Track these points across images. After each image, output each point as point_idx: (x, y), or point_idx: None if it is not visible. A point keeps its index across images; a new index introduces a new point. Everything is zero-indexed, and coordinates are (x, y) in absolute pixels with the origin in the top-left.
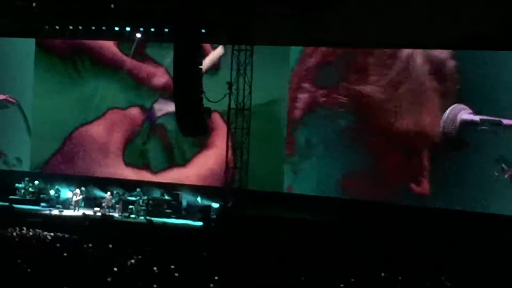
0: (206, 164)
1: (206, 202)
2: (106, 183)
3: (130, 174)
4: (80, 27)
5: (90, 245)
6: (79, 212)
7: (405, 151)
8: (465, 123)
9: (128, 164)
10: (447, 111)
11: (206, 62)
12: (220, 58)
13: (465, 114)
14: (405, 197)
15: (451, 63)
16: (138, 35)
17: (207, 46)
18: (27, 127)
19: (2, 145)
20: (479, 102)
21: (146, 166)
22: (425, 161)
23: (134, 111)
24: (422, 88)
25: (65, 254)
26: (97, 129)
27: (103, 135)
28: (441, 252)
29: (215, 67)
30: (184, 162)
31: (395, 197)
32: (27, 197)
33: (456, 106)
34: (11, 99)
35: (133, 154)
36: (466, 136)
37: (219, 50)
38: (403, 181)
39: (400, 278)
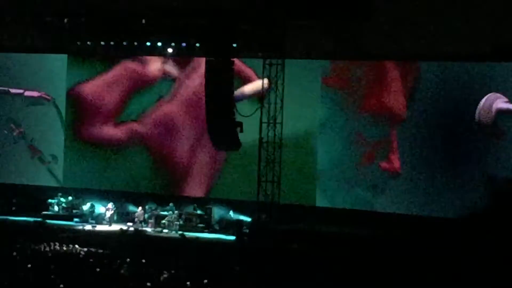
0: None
1: (238, 216)
2: (138, 198)
3: None
4: (112, 43)
5: (124, 260)
6: (112, 227)
7: None
8: (501, 112)
9: None
10: (482, 100)
11: (245, 90)
12: (264, 90)
13: (501, 102)
14: None
15: None
16: (170, 50)
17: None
18: (62, 124)
19: (37, 142)
20: None
21: None
22: None
23: None
24: None
25: (98, 270)
26: None
27: None
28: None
29: (259, 97)
30: None
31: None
32: (60, 213)
33: (491, 95)
34: (46, 96)
35: None
36: (502, 124)
37: (264, 82)
38: None
39: None
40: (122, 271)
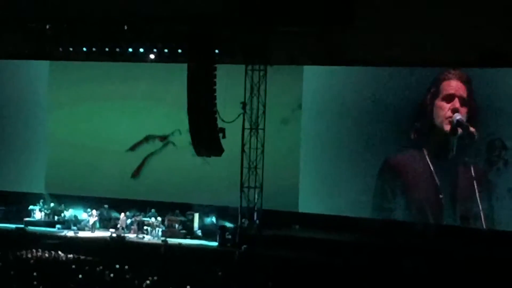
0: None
1: (221, 222)
2: (120, 204)
3: None
4: (94, 49)
5: (106, 266)
6: (95, 234)
7: None
8: None
9: None
10: None
11: None
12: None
13: None
14: None
15: None
16: (152, 56)
17: None
18: None
19: None
20: None
21: None
22: None
23: None
24: None
25: (80, 276)
26: None
27: None
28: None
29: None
30: None
31: None
32: (43, 219)
33: None
34: None
35: None
36: None
37: None
38: None
39: None
40: (105, 278)
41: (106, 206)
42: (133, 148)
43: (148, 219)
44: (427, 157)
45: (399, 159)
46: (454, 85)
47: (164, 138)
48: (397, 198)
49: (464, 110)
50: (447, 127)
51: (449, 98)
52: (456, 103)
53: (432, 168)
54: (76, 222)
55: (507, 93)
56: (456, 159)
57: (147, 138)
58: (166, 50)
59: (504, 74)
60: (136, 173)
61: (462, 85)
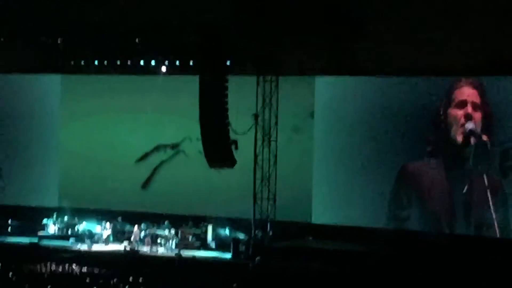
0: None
1: (234, 234)
2: (134, 217)
3: None
4: (105, 62)
5: (120, 279)
6: (109, 247)
7: None
8: None
9: None
10: None
11: None
12: None
13: None
14: None
15: None
16: (164, 68)
17: None
18: None
19: None
20: None
21: None
22: None
23: None
24: None
25: None
26: None
27: None
28: None
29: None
30: None
31: None
32: (56, 233)
33: None
34: None
35: None
36: None
37: None
38: None
39: None
40: None
41: (119, 219)
42: (143, 158)
43: (161, 231)
44: (442, 166)
45: (415, 167)
46: (465, 92)
47: (174, 147)
48: (413, 206)
49: (478, 115)
50: (460, 137)
51: (462, 104)
52: (469, 108)
53: (446, 177)
54: (90, 236)
55: None
56: (471, 168)
57: (158, 148)
58: (177, 62)
59: None
60: (146, 183)
61: (474, 90)
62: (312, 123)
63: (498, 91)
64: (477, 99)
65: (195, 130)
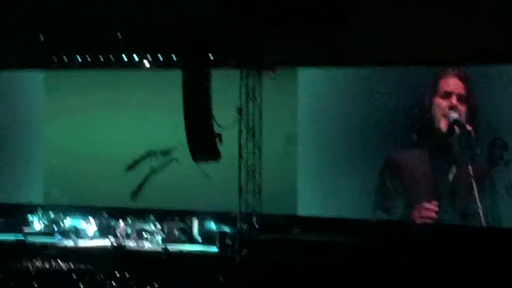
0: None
1: (220, 228)
2: (119, 212)
3: None
4: (88, 58)
5: (107, 275)
6: (94, 243)
7: None
8: None
9: None
10: None
11: None
12: None
13: None
14: None
15: None
16: (146, 63)
17: None
18: None
19: None
20: None
21: None
22: None
23: None
24: None
25: (81, 285)
26: None
27: None
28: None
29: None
30: None
31: None
32: (42, 229)
33: None
34: None
35: None
36: None
37: None
38: None
39: None
40: (106, 286)
41: (105, 214)
42: (132, 166)
43: (147, 226)
44: (427, 156)
45: (400, 157)
46: (451, 83)
47: (166, 153)
48: (399, 197)
49: (462, 107)
50: (444, 127)
51: (446, 95)
52: (454, 99)
53: (431, 167)
54: (75, 232)
55: (507, 91)
56: (455, 158)
57: (148, 154)
58: (160, 57)
59: (502, 71)
60: (137, 192)
61: (460, 83)
62: (296, 115)
63: (484, 81)
64: (462, 91)
65: (180, 124)
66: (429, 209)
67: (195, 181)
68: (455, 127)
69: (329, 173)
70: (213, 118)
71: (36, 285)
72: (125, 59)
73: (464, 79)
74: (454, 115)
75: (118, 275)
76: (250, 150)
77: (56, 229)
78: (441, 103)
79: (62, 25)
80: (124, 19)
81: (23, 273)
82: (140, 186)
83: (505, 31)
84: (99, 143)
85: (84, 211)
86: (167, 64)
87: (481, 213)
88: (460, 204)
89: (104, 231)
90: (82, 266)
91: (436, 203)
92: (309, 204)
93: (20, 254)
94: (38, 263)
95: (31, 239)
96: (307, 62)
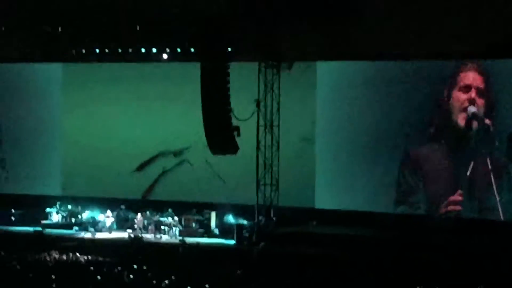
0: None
1: (238, 220)
2: (137, 204)
3: None
4: (107, 50)
5: (125, 267)
6: (112, 235)
7: None
8: None
9: None
10: None
11: None
12: None
13: None
14: None
15: None
16: (165, 56)
17: None
18: None
19: None
20: None
21: None
22: None
23: None
24: None
25: (98, 277)
26: None
27: None
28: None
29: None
30: None
31: None
32: (60, 222)
33: None
34: None
35: None
36: None
37: None
38: None
39: None
40: (123, 279)
41: (123, 206)
42: (141, 167)
43: (165, 219)
44: (445, 150)
45: (419, 151)
46: (471, 76)
47: (178, 154)
48: (419, 191)
49: (481, 101)
50: (463, 121)
51: (466, 88)
52: (473, 93)
53: (450, 161)
54: (93, 224)
55: None
56: (474, 151)
57: (158, 155)
58: (179, 50)
59: None
60: (147, 193)
61: (479, 76)
62: (314, 109)
63: (503, 75)
64: (482, 85)
65: (198, 117)
66: (456, 202)
67: (213, 174)
68: (473, 121)
69: (347, 166)
70: (231, 111)
71: (53, 277)
72: (143, 52)
73: (483, 73)
74: (472, 108)
75: (135, 267)
76: (268, 143)
77: (74, 221)
78: (460, 96)
79: (81, 19)
80: (142, 12)
81: (41, 265)
82: (150, 189)
83: None
84: (117, 136)
85: (102, 203)
86: (185, 57)
87: (499, 207)
88: (479, 197)
89: (122, 223)
90: (99, 258)
91: (461, 195)
92: (326, 197)
93: (38, 246)
94: (56, 255)
95: (49, 231)
96: (326, 56)
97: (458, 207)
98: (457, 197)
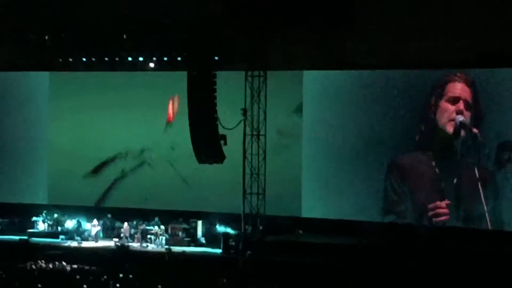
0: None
1: (224, 229)
2: (123, 213)
3: None
4: (93, 59)
5: (111, 276)
6: (98, 244)
7: None
8: None
9: None
10: None
11: None
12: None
13: None
14: None
15: None
16: (151, 64)
17: None
18: None
19: None
20: None
21: None
22: None
23: None
24: None
25: (85, 286)
26: None
27: None
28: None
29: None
30: None
31: None
32: (46, 230)
33: None
34: None
35: None
36: None
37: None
38: None
39: None
40: (109, 287)
41: (109, 215)
42: (96, 170)
43: (151, 227)
44: (432, 159)
45: (405, 161)
46: (459, 88)
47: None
48: (406, 200)
49: (468, 113)
50: (451, 129)
51: (454, 100)
52: (461, 105)
53: (437, 170)
54: (79, 233)
55: None
56: (460, 160)
57: (115, 158)
58: (165, 58)
59: (508, 74)
60: (100, 201)
61: (467, 88)
62: (301, 118)
63: (491, 84)
64: (469, 96)
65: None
66: (443, 208)
67: (199, 182)
68: (461, 130)
69: (334, 175)
70: (217, 119)
71: (40, 286)
72: (130, 60)
73: (471, 84)
74: (460, 117)
75: (121, 276)
76: (254, 152)
77: (60, 230)
78: (449, 107)
79: (68, 27)
80: (129, 20)
81: (27, 274)
82: (105, 193)
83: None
84: (104, 145)
85: (88, 212)
86: (172, 65)
87: (487, 216)
88: (466, 206)
89: (108, 232)
90: (86, 267)
91: (448, 202)
92: (313, 205)
93: (24, 254)
94: (42, 264)
95: (35, 239)
96: (312, 65)
97: (445, 216)
98: (444, 206)
